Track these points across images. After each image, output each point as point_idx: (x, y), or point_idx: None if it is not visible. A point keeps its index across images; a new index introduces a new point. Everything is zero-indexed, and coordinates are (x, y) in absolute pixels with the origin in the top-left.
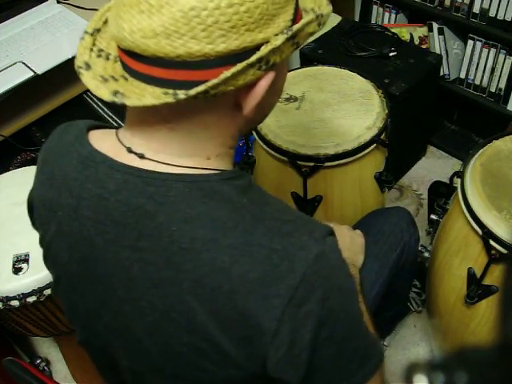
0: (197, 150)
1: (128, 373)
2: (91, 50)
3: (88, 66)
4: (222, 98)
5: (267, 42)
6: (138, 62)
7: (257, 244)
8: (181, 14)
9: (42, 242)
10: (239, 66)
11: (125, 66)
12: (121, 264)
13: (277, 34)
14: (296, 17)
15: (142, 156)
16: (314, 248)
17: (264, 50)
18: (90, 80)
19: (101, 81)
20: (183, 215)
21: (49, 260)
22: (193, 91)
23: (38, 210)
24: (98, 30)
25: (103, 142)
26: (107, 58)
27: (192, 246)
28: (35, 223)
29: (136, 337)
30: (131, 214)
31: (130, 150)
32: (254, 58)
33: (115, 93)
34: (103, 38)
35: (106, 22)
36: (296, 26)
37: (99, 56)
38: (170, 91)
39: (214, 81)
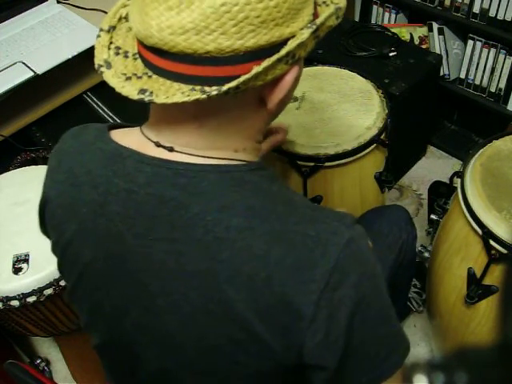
0: (224, 143)
1: (152, 373)
2: (109, 48)
3: (109, 64)
4: (247, 94)
5: (293, 36)
6: (163, 58)
7: (291, 230)
8: (211, 9)
9: (56, 245)
10: (270, 61)
11: (148, 64)
12: (153, 258)
13: (302, 28)
14: (315, 10)
15: (171, 149)
16: (345, 233)
17: (292, 44)
18: (112, 78)
19: (123, 79)
20: (217, 205)
21: (67, 261)
22: (225, 87)
23: (54, 211)
24: (114, 28)
25: (128, 138)
26: (126, 56)
27: (227, 235)
28: (46, 227)
29: (168, 332)
30: (164, 207)
31: (158, 144)
32: (283, 51)
33: (142, 91)
34: (119, 35)
35: (120, 19)
36: (319, 20)
37: (117, 54)
38: (198, 87)
39: (246, 76)
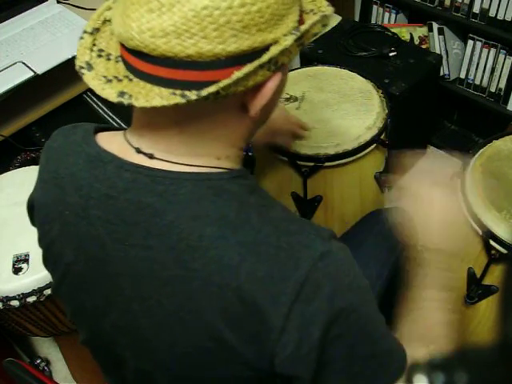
0: (206, 150)
1: (133, 372)
2: (91, 50)
3: (90, 67)
4: (229, 99)
5: (276, 42)
6: (144, 62)
7: (264, 242)
8: (193, 13)
9: (40, 241)
10: (251, 66)
11: (129, 67)
12: (129, 263)
13: (286, 35)
14: (300, 17)
15: (151, 156)
16: (320, 246)
17: (274, 51)
18: (92, 80)
19: (104, 81)
20: (192, 213)
21: (49, 260)
22: (204, 92)
23: (39, 209)
24: (98, 30)
25: (111, 142)
26: (108, 59)
27: (200, 243)
28: (34, 223)
29: (143, 336)
30: (141, 213)
31: (138, 151)
32: (265, 57)
33: (122, 94)
34: (103, 38)
35: (104, 22)
36: (304, 27)
37: (100, 56)
38: (178, 92)
39: (226, 81)
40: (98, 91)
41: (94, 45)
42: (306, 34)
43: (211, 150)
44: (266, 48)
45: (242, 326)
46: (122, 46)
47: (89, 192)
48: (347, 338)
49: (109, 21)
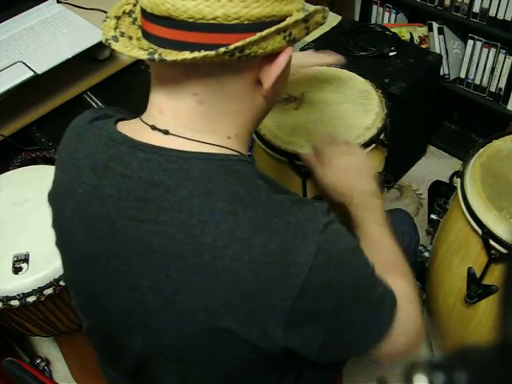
0: (220, 126)
1: (136, 357)
2: (114, 30)
3: (116, 38)
4: (247, 68)
5: (290, 15)
6: (171, 28)
7: (273, 217)
8: None
9: (55, 221)
10: (271, 29)
11: (154, 39)
12: (140, 238)
13: (298, 11)
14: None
15: (166, 132)
16: (322, 218)
17: (290, 20)
18: (121, 47)
19: (131, 48)
20: (204, 189)
21: (62, 239)
22: (232, 45)
23: (56, 188)
24: (118, 18)
25: (127, 126)
26: (130, 38)
27: (211, 218)
28: (51, 203)
29: (151, 315)
30: (153, 190)
31: (153, 128)
32: (283, 24)
33: (151, 53)
34: (122, 25)
35: (124, 13)
36: (311, 8)
37: (122, 36)
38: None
39: (252, 38)
40: (127, 52)
41: (116, 28)
42: (310, 18)
43: (224, 126)
44: (282, 19)
45: (255, 300)
46: (147, 20)
47: (104, 171)
48: (356, 295)
49: (127, 13)
